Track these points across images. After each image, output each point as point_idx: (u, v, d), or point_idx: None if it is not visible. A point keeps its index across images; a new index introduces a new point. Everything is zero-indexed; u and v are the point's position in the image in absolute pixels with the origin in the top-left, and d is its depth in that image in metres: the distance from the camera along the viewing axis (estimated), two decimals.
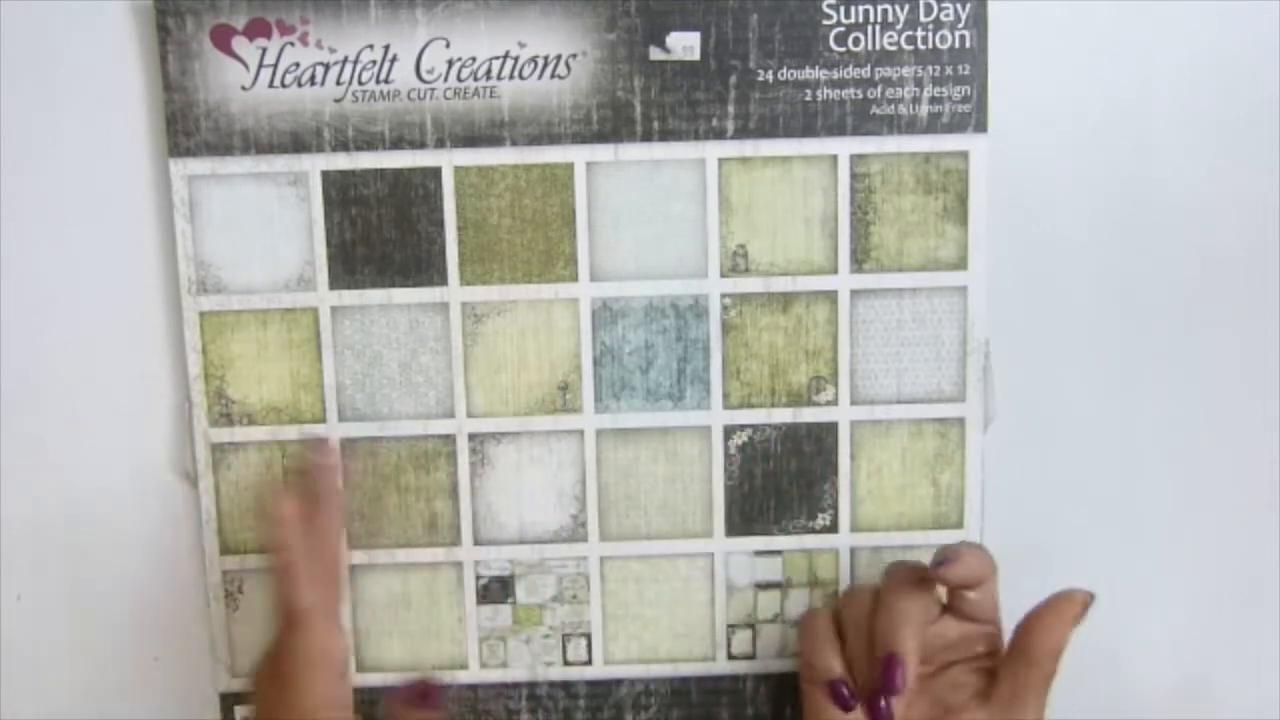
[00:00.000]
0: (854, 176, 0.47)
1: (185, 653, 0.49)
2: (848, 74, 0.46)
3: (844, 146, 0.47)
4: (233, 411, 0.48)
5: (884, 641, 0.41)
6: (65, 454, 0.48)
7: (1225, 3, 0.47)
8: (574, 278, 0.47)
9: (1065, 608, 0.42)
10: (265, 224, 0.47)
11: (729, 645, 0.49)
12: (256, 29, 0.46)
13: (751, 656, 0.49)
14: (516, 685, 0.49)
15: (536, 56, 0.46)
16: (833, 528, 0.49)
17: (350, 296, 0.47)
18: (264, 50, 0.46)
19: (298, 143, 0.46)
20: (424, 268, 0.47)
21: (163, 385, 0.48)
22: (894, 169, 0.47)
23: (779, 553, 0.49)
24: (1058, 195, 0.48)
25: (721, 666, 0.49)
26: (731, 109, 0.46)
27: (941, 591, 0.43)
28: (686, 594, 0.49)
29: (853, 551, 0.49)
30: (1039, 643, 0.42)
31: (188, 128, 0.46)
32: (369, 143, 0.46)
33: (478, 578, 0.49)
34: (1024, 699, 0.42)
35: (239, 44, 0.46)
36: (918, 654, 0.41)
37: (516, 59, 0.46)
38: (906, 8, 0.46)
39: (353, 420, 0.48)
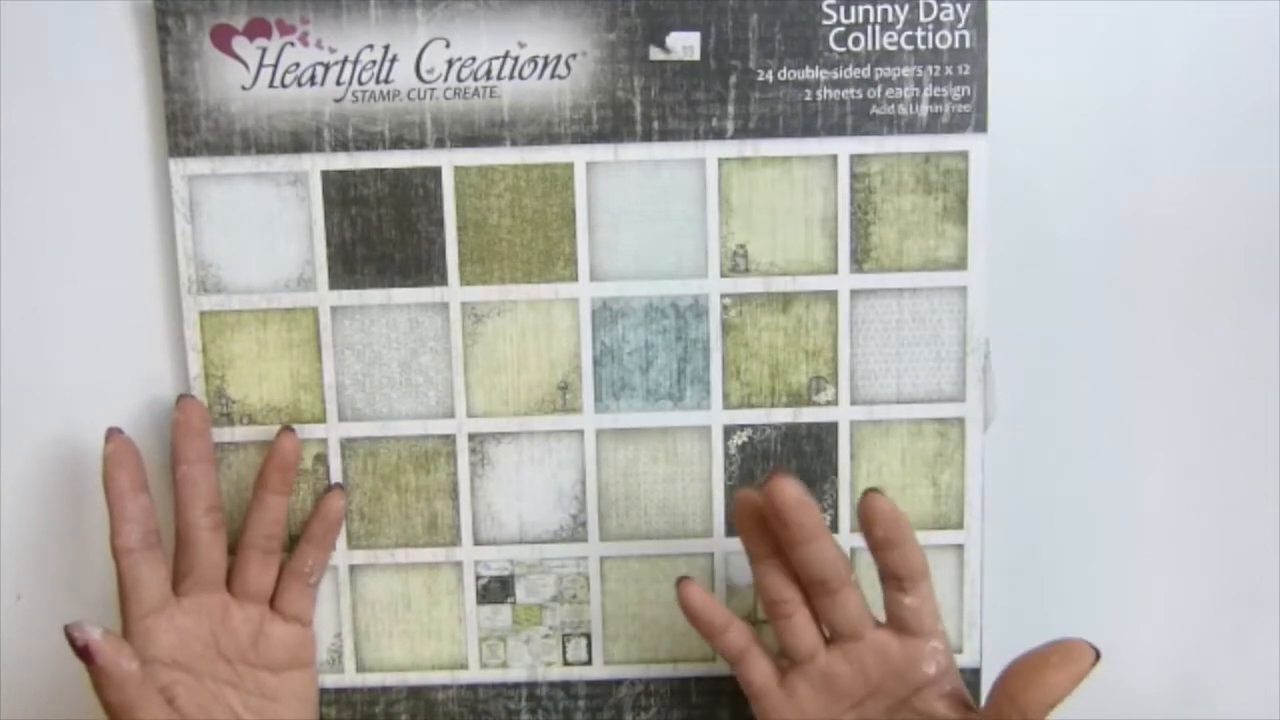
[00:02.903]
0: (854, 176, 0.47)
1: None
2: (848, 74, 0.46)
3: (844, 146, 0.47)
4: (233, 411, 0.48)
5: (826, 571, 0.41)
6: (66, 453, 0.48)
7: (1225, 3, 0.47)
8: (574, 278, 0.47)
9: (1072, 665, 0.38)
10: (265, 224, 0.47)
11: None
12: (256, 29, 0.46)
13: None
14: (516, 685, 0.49)
15: (536, 56, 0.46)
16: (833, 528, 0.49)
17: (350, 296, 0.47)
18: (264, 50, 0.46)
19: (298, 143, 0.46)
20: (424, 268, 0.47)
21: (163, 385, 0.48)
22: (894, 169, 0.47)
23: None
24: (1058, 195, 0.48)
25: (721, 666, 0.49)
26: (731, 109, 0.46)
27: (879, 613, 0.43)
28: None
29: (853, 551, 0.49)
30: (1036, 699, 0.38)
31: (188, 128, 0.46)
32: (369, 143, 0.47)
33: (478, 578, 0.49)
34: None
35: (239, 44, 0.46)
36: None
37: (516, 59, 0.46)
38: (906, 8, 0.46)
39: (353, 420, 0.48)
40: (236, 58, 0.46)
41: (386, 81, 0.46)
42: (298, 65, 0.46)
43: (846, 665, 0.42)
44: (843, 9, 0.46)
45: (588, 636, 0.49)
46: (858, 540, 0.49)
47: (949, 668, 0.42)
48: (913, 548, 0.41)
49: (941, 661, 0.42)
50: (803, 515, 0.40)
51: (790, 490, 0.39)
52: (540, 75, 0.46)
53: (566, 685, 0.50)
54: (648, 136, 0.47)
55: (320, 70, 0.46)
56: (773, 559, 0.42)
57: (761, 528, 0.42)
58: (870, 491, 0.40)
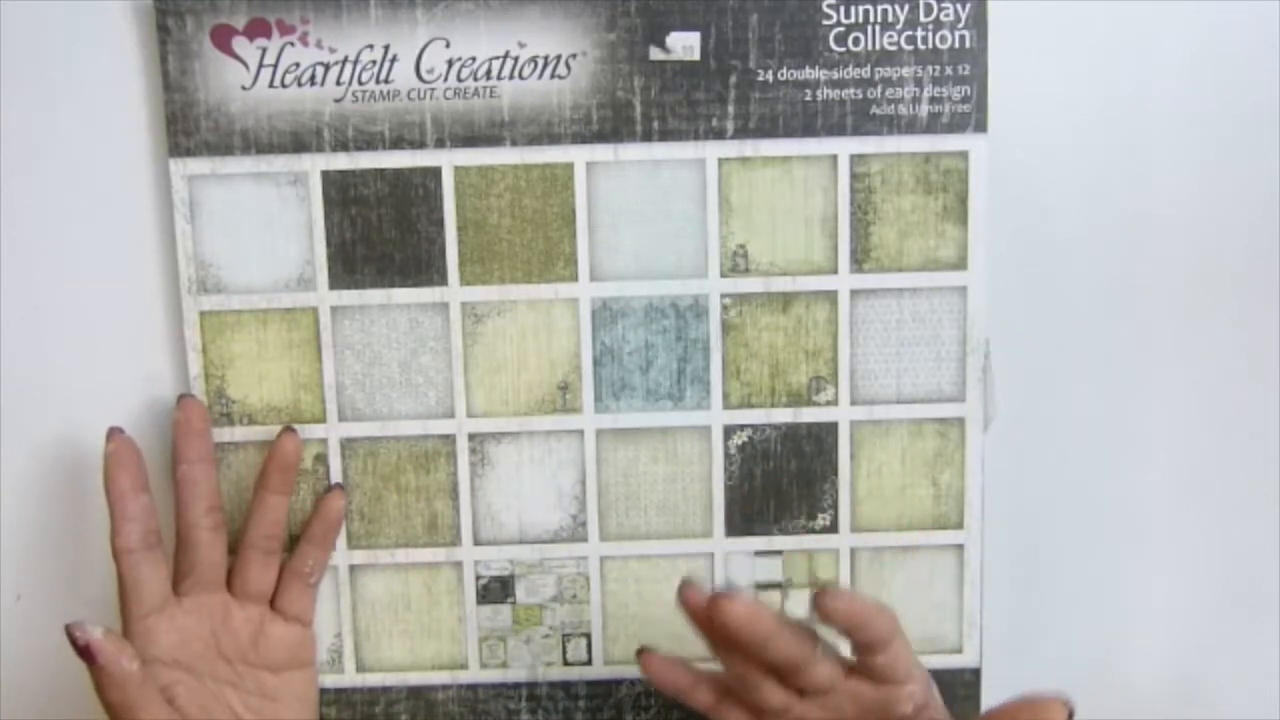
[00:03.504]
0: (854, 176, 0.47)
1: None
2: (848, 74, 0.46)
3: (844, 146, 0.47)
4: (233, 411, 0.48)
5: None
6: (66, 453, 0.48)
7: (1225, 3, 0.47)
8: (574, 278, 0.47)
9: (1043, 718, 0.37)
10: (265, 224, 0.47)
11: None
12: (256, 29, 0.46)
13: None
14: (516, 685, 0.49)
15: (536, 56, 0.46)
16: (833, 528, 0.49)
17: (350, 296, 0.47)
18: (264, 50, 0.46)
19: (298, 143, 0.46)
20: (424, 268, 0.47)
21: (163, 385, 0.48)
22: (894, 169, 0.47)
23: (779, 553, 0.49)
24: (1058, 195, 0.48)
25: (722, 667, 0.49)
26: (731, 109, 0.46)
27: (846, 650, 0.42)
28: None
29: (853, 551, 0.49)
30: None
31: (188, 128, 0.46)
32: (369, 143, 0.47)
33: (478, 578, 0.49)
34: None
35: (239, 44, 0.46)
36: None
37: (516, 59, 0.46)
38: (906, 8, 0.46)
39: (353, 420, 0.48)
40: (236, 58, 0.46)
41: (386, 81, 0.46)
42: (298, 65, 0.46)
43: (822, 712, 0.42)
44: (843, 9, 0.46)
45: (588, 636, 0.49)
46: (858, 541, 0.49)
47: (926, 703, 0.42)
48: (876, 623, 0.40)
49: (919, 698, 0.41)
50: (754, 628, 0.39)
51: (738, 610, 0.38)
52: (540, 75, 0.46)
53: (566, 685, 0.50)
54: (648, 136, 0.46)
55: (320, 70, 0.46)
56: (733, 652, 0.41)
57: (714, 624, 0.41)
58: (821, 591, 0.39)
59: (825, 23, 0.46)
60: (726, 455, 0.48)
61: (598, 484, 0.48)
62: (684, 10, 0.46)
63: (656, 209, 0.47)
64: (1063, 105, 0.48)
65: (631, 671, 0.50)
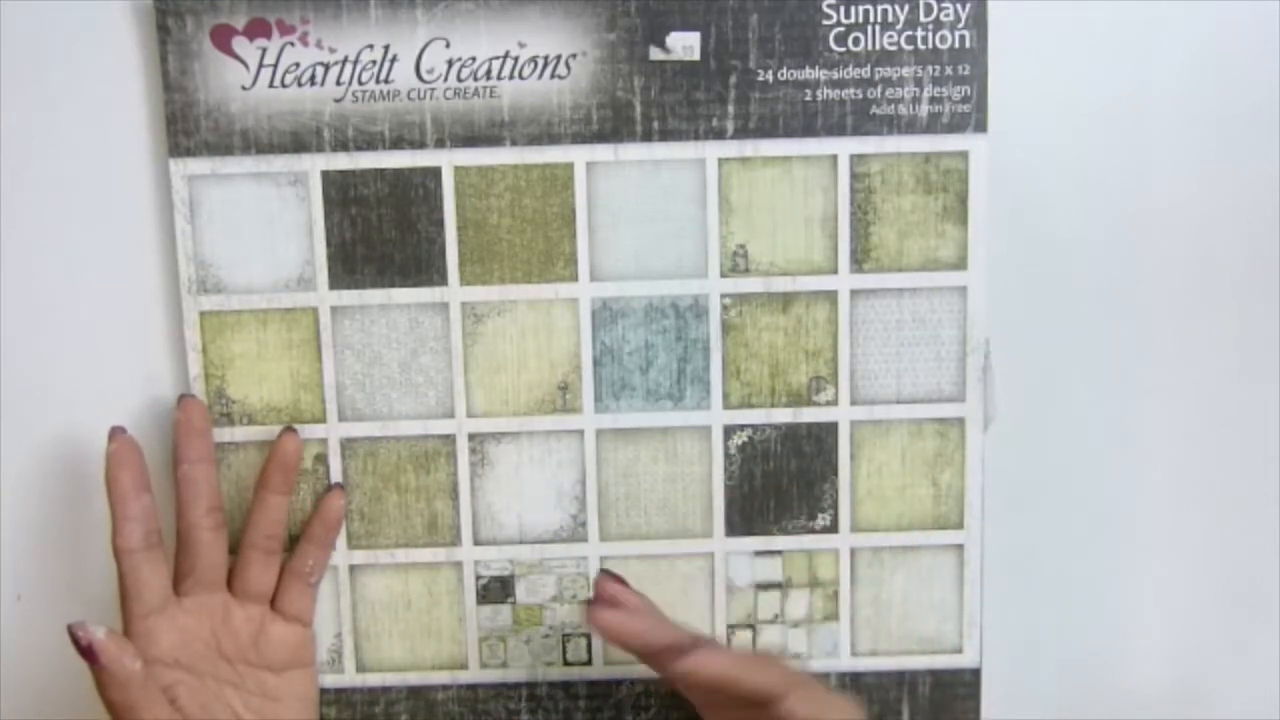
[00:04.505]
0: (854, 176, 0.47)
1: None
2: (848, 74, 0.46)
3: (844, 146, 0.47)
4: (233, 411, 0.48)
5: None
6: (66, 453, 0.48)
7: (1225, 3, 0.47)
8: (574, 278, 0.47)
9: None
10: (265, 224, 0.47)
11: (729, 645, 0.49)
12: (256, 29, 0.46)
13: None
14: (516, 685, 0.49)
15: (536, 56, 0.46)
16: (833, 528, 0.49)
17: (350, 296, 0.47)
18: (264, 50, 0.46)
19: (298, 143, 0.46)
20: (424, 268, 0.47)
21: (163, 385, 0.48)
22: (894, 169, 0.47)
23: (779, 553, 0.49)
24: (1058, 195, 0.48)
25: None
26: (731, 109, 0.46)
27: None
28: (686, 594, 0.49)
29: (853, 551, 0.49)
30: None
31: (188, 128, 0.46)
32: (369, 143, 0.47)
33: (478, 578, 0.49)
34: None
35: (239, 44, 0.46)
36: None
37: (516, 59, 0.46)
38: (906, 8, 0.46)
39: (353, 420, 0.48)
40: (236, 58, 0.46)
41: (386, 81, 0.46)
42: (298, 65, 0.46)
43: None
44: (843, 9, 0.46)
45: (588, 636, 0.49)
46: (858, 541, 0.49)
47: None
48: (758, 676, 0.38)
49: None
50: (624, 639, 0.41)
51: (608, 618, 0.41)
52: (540, 75, 0.46)
53: (566, 685, 0.50)
54: (648, 136, 0.46)
55: (320, 70, 0.46)
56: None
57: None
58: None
59: (825, 23, 0.46)
60: (726, 455, 0.48)
61: (598, 484, 0.49)
62: (684, 10, 0.46)
63: (656, 209, 0.47)
64: (1063, 105, 0.48)
65: (632, 671, 0.50)
